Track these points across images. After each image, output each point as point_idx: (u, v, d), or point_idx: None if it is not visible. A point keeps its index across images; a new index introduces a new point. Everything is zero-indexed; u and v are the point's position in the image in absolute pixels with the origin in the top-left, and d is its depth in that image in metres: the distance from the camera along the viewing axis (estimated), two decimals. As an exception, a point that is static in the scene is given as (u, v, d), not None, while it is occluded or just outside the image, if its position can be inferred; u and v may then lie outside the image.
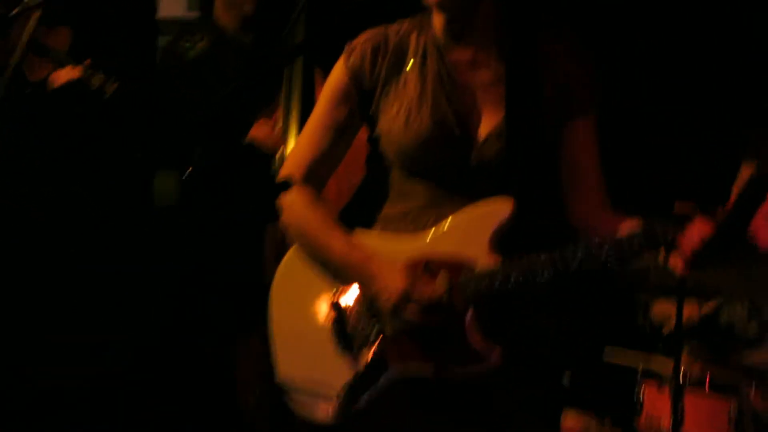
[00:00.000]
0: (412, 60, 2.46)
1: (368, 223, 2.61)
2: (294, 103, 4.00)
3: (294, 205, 2.52)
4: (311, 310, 2.52)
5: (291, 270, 2.58)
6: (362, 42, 2.52)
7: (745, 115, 4.04)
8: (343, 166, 3.56)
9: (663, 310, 3.76)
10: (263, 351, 3.33)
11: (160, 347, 3.89)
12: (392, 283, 2.37)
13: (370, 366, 2.40)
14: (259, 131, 3.91)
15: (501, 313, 2.38)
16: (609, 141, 2.54)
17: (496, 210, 2.36)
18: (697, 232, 2.20)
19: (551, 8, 2.48)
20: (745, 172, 3.81)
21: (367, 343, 2.42)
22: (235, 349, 3.84)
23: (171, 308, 3.92)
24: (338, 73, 2.53)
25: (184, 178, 3.72)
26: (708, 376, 3.47)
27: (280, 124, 3.99)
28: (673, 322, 3.33)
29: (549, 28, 2.45)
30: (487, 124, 2.41)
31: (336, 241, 2.46)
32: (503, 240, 2.38)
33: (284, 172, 2.57)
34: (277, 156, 3.91)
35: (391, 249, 2.44)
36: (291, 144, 3.94)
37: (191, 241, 3.99)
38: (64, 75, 3.39)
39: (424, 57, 2.46)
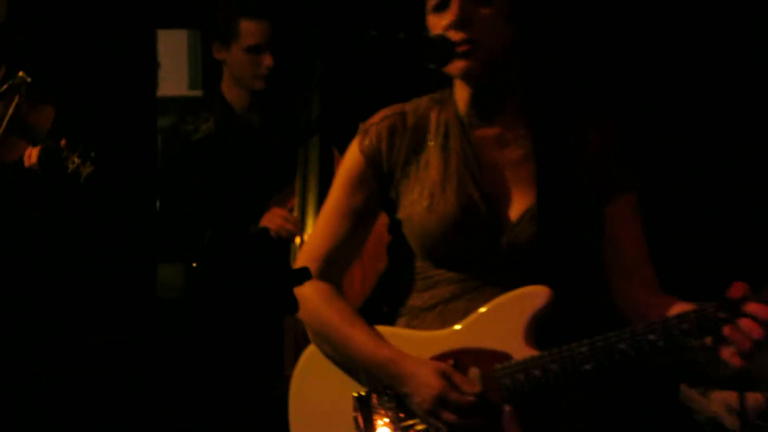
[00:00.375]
0: (432, 140, 2.37)
1: (393, 311, 2.49)
2: (310, 187, 3.83)
3: (311, 299, 2.41)
4: (336, 410, 2.39)
5: (311, 367, 2.47)
6: (377, 122, 2.41)
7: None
8: (366, 251, 3.36)
9: (721, 399, 3.44)
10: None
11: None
12: (425, 386, 2.25)
13: None
14: (272, 219, 3.75)
15: (541, 411, 2.28)
16: (655, 216, 2.49)
17: (532, 298, 2.26)
18: (753, 318, 2.11)
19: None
20: None
21: None
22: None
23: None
24: (353, 156, 2.42)
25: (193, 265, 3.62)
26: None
27: (296, 210, 3.81)
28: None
29: (579, 104, 2.39)
30: (518, 206, 2.31)
31: (359, 337, 2.35)
32: (539, 331, 2.28)
33: (299, 263, 2.46)
34: (296, 244, 3.74)
35: (417, 345, 2.34)
36: (308, 230, 3.77)
37: (200, 339, 3.84)
38: (35, 155, 3.20)
39: (446, 135, 2.36)
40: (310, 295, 2.41)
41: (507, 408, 2.24)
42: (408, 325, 2.40)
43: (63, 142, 3.22)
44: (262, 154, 3.88)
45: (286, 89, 3.95)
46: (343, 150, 3.69)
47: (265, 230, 3.74)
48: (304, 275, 3.56)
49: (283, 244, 3.74)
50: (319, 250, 2.44)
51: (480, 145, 2.34)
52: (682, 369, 3.31)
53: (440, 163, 2.34)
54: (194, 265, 3.76)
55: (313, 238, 2.47)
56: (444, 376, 2.25)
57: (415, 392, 2.27)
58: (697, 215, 3.91)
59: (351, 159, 2.42)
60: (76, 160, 3.22)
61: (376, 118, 2.41)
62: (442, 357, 2.30)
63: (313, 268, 2.39)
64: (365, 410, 2.35)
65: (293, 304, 3.59)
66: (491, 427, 2.24)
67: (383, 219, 3.55)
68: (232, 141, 3.88)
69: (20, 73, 2.85)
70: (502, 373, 2.25)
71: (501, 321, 2.27)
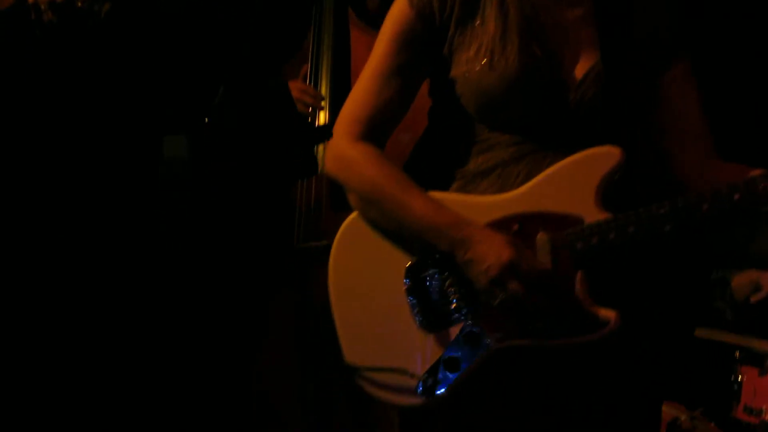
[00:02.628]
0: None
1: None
2: (324, 52, 3.70)
3: (357, 162, 2.28)
4: (383, 281, 2.30)
5: (354, 236, 2.34)
6: None
7: None
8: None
9: (746, 279, 3.37)
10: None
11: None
12: (493, 252, 2.14)
13: (461, 344, 2.21)
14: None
15: (615, 276, 2.20)
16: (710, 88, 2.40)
17: (604, 158, 2.17)
18: None
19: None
20: None
21: (455, 318, 2.23)
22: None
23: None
24: (401, 9, 2.28)
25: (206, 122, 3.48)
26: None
27: (308, 78, 3.71)
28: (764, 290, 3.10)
29: None
30: (582, 65, 2.24)
31: (417, 201, 2.22)
32: (609, 194, 2.18)
33: (340, 126, 2.33)
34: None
35: (475, 210, 2.22)
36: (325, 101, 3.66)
37: (209, 203, 3.75)
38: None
39: None
40: (357, 156, 2.28)
41: (578, 274, 2.15)
42: (463, 190, 2.30)
43: None
44: (275, 10, 3.74)
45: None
46: (358, 9, 3.64)
47: (283, 83, 3.61)
48: (325, 133, 3.52)
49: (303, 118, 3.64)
50: (363, 111, 2.31)
51: (539, 4, 2.26)
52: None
53: (499, 20, 2.24)
54: (206, 120, 3.62)
55: (356, 98, 2.34)
56: (515, 244, 2.15)
57: (480, 259, 2.15)
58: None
59: (399, 12, 2.28)
60: None
61: None
62: (504, 221, 2.20)
63: (356, 130, 2.30)
64: (417, 279, 2.27)
65: (313, 166, 3.56)
66: (562, 297, 2.15)
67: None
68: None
69: None
70: (574, 238, 2.15)
71: (570, 183, 2.18)
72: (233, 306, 3.65)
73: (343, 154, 2.29)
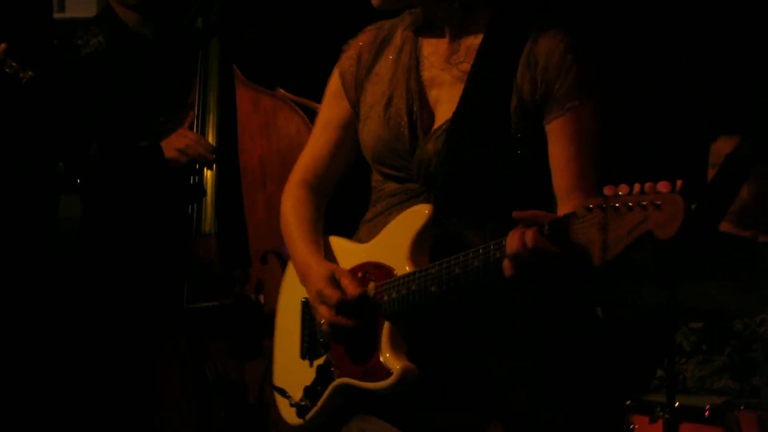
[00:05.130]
0: (391, 53, 2.43)
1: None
2: (210, 104, 3.69)
3: (284, 204, 2.56)
4: (293, 313, 2.55)
5: (288, 273, 2.60)
6: (356, 37, 2.52)
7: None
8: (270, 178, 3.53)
9: None
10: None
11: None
12: (312, 284, 2.39)
13: (317, 374, 2.39)
14: (180, 140, 3.64)
15: (432, 335, 2.29)
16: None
17: (415, 215, 2.29)
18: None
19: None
20: (722, 146, 3.71)
21: (322, 350, 2.44)
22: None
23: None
24: (334, 71, 2.55)
25: (79, 181, 3.50)
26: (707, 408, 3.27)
27: (195, 126, 3.70)
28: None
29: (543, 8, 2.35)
30: (438, 121, 2.34)
31: (300, 244, 2.48)
32: (436, 248, 2.28)
33: (291, 175, 2.59)
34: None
35: (346, 255, 2.44)
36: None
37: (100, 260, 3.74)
38: None
39: (401, 49, 2.42)
40: (285, 200, 2.55)
41: (384, 323, 2.27)
42: (355, 235, 2.48)
43: (3, 47, 3.28)
44: (157, 67, 3.67)
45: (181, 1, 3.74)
46: (241, 66, 3.65)
47: (156, 144, 3.62)
48: (199, 192, 3.53)
49: (191, 167, 3.63)
50: (304, 160, 2.55)
51: (426, 61, 2.37)
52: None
53: (389, 76, 2.40)
54: (78, 181, 3.62)
55: (305, 149, 2.57)
56: (330, 278, 2.34)
57: (308, 290, 2.41)
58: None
59: (333, 74, 2.53)
60: (14, 65, 3.29)
61: (359, 35, 2.50)
62: (357, 267, 2.38)
63: (297, 177, 2.54)
64: (306, 313, 2.49)
65: (185, 223, 3.56)
66: (366, 339, 2.29)
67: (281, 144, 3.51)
68: (124, 55, 3.74)
69: None
70: (383, 288, 2.28)
71: (394, 237, 2.31)
72: (125, 357, 3.65)
73: (282, 196, 2.56)
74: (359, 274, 2.35)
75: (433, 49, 2.38)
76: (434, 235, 2.27)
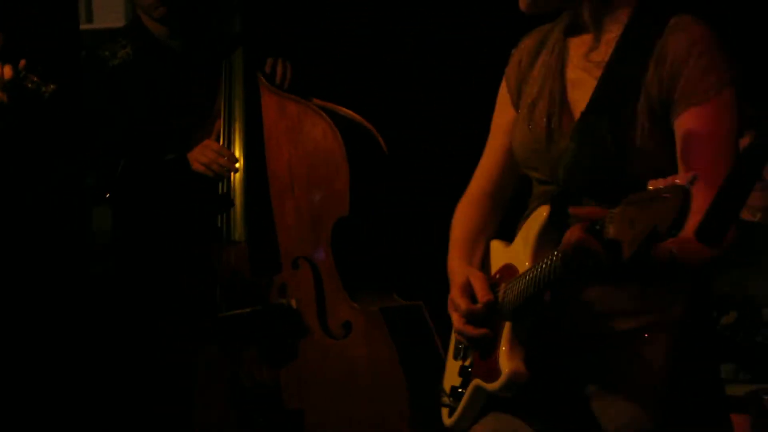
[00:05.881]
0: (542, 56, 2.42)
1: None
2: (236, 112, 3.71)
3: (456, 213, 2.58)
4: None
5: None
6: (520, 43, 2.51)
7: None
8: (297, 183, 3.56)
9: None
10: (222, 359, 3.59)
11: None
12: (450, 291, 2.39)
13: (462, 371, 2.40)
14: (204, 152, 3.67)
15: (547, 336, 2.26)
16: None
17: (537, 218, 2.28)
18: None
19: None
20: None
21: (467, 349, 2.45)
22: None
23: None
24: (504, 78, 2.55)
25: (108, 195, 3.53)
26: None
27: (222, 137, 3.73)
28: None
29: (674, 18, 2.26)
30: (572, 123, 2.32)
31: (453, 250, 2.52)
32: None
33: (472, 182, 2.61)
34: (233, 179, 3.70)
35: (497, 256, 2.45)
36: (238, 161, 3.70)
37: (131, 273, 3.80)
38: None
39: (552, 51, 2.40)
40: (456, 210, 2.57)
41: (506, 324, 2.25)
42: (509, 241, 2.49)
43: (23, 62, 3.28)
44: (184, 79, 3.75)
45: (207, 12, 3.81)
46: (267, 75, 3.67)
47: (183, 156, 3.65)
48: (227, 202, 3.56)
49: (216, 178, 3.66)
50: (481, 165, 2.56)
51: (571, 59, 2.35)
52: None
53: (539, 79, 2.38)
54: (107, 195, 3.68)
55: (482, 157, 2.59)
56: (464, 284, 2.35)
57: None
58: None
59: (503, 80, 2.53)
60: (36, 80, 3.28)
61: (525, 37, 2.49)
62: (498, 270, 2.40)
63: (472, 183, 2.56)
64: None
65: (217, 233, 3.59)
66: (490, 340, 2.28)
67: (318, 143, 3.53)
68: (151, 67, 3.76)
69: None
70: (508, 288, 2.27)
71: (523, 238, 2.32)
72: (162, 367, 3.69)
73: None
74: (497, 276, 2.36)
75: (578, 49, 2.35)
76: (558, 235, 2.17)
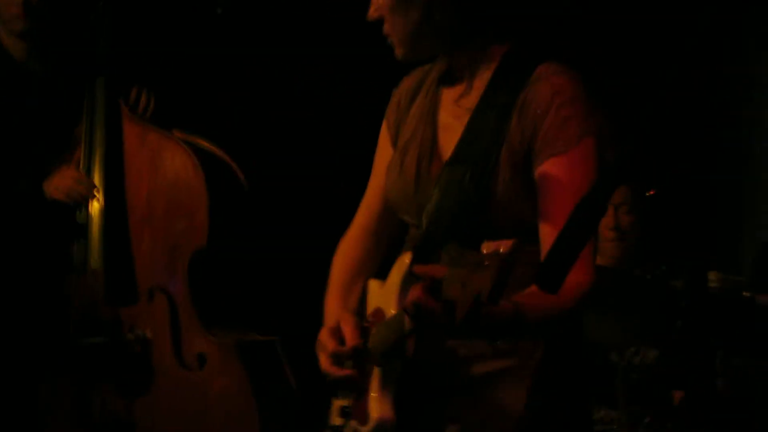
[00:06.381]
0: (416, 99, 2.42)
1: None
2: (97, 145, 3.69)
3: (337, 250, 2.57)
4: None
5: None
6: (402, 83, 2.49)
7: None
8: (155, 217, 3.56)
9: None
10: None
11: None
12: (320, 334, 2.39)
13: (341, 410, 2.40)
14: (62, 180, 3.62)
15: (421, 384, 2.25)
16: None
17: (401, 264, 2.27)
18: None
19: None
20: None
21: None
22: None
23: None
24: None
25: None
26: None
27: (81, 164, 3.69)
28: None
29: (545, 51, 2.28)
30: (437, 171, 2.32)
31: (330, 290, 2.52)
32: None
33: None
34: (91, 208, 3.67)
35: (374, 300, 2.41)
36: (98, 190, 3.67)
37: None
38: None
39: (426, 95, 2.40)
40: (340, 243, 2.56)
41: (374, 369, 2.25)
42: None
43: None
44: (42, 103, 3.69)
45: (70, 35, 3.77)
46: (128, 102, 3.65)
47: (37, 185, 3.60)
48: (78, 233, 3.51)
49: (74, 206, 3.62)
50: (364, 202, 2.55)
51: (443, 103, 2.34)
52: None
53: (413, 122, 2.38)
54: None
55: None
56: (334, 328, 2.34)
57: None
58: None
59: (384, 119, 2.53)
60: None
61: (405, 77, 2.47)
62: (372, 312, 2.38)
63: (357, 221, 2.54)
64: None
65: (68, 264, 3.54)
66: (361, 386, 2.27)
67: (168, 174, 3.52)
68: (9, 90, 3.67)
69: None
70: (375, 332, 2.27)
71: (390, 283, 2.30)
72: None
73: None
74: (370, 320, 2.34)
75: (451, 93, 2.32)
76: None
